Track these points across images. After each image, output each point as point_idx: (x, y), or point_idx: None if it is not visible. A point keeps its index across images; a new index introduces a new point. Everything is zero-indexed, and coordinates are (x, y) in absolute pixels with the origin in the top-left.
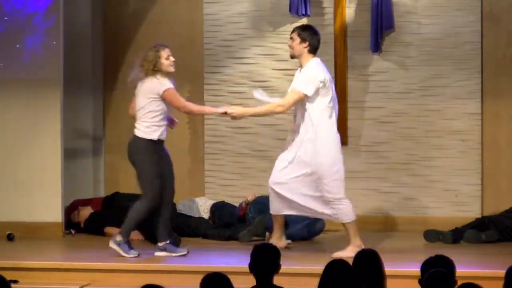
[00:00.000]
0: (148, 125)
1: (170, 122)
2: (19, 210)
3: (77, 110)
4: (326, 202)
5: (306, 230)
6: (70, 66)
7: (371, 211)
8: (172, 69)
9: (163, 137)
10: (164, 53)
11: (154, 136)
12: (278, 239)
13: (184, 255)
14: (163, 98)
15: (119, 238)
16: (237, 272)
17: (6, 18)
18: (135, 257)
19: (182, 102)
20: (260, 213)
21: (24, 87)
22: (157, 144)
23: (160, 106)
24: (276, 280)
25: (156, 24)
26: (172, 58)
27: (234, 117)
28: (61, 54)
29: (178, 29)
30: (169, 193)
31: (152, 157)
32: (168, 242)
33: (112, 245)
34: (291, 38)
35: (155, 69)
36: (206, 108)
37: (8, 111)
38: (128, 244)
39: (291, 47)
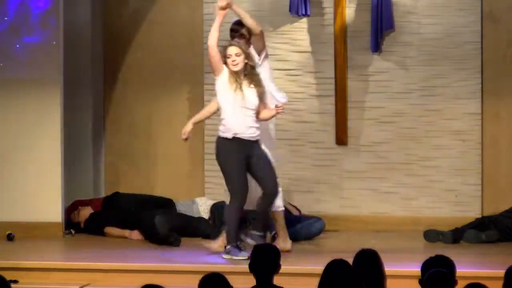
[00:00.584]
0: None
1: None
2: (19, 210)
3: (77, 110)
4: None
5: (306, 230)
6: (70, 66)
7: (371, 211)
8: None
9: None
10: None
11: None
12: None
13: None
14: None
15: (228, 247)
16: (237, 272)
17: (6, 18)
18: (245, 259)
19: None
20: None
21: (24, 87)
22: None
23: None
24: (276, 280)
25: (156, 24)
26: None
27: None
28: (61, 54)
29: (177, 29)
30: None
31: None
32: (234, 245)
33: (225, 256)
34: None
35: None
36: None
37: (8, 111)
38: (238, 248)
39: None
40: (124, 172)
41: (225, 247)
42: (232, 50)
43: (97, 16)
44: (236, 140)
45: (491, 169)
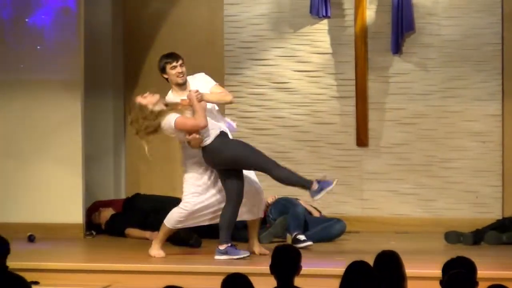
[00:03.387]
0: None
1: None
2: (40, 212)
3: (97, 112)
4: None
5: (327, 231)
6: (90, 67)
7: (391, 212)
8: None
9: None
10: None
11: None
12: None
13: (246, 258)
14: None
15: (223, 247)
16: (258, 274)
17: (27, 20)
18: (246, 256)
19: None
20: (281, 214)
21: (45, 88)
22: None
23: None
24: (297, 282)
25: (176, 25)
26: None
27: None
28: (82, 56)
29: (198, 30)
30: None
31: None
32: (229, 245)
33: (221, 258)
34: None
35: None
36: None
37: (29, 112)
38: (234, 247)
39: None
40: (145, 173)
41: (219, 248)
42: None
43: (117, 17)
44: None
45: None
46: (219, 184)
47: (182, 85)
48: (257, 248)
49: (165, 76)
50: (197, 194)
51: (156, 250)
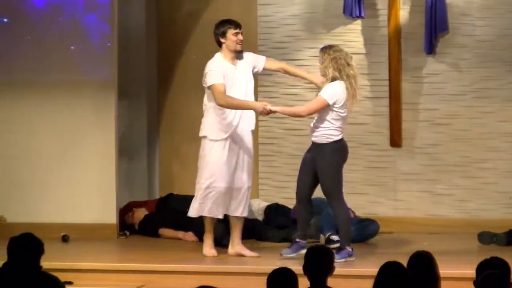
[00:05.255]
0: None
1: None
2: (73, 212)
3: (131, 112)
4: None
5: (360, 232)
6: (124, 68)
7: (425, 213)
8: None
9: None
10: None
11: None
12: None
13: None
14: None
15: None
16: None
17: (60, 19)
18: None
19: None
20: (314, 215)
21: (79, 89)
22: None
23: None
24: (330, 282)
25: (209, 26)
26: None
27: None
28: (116, 56)
29: None
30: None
31: None
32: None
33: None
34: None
35: None
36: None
37: (63, 113)
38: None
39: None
40: (178, 174)
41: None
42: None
43: (151, 18)
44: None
45: None
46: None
47: (238, 54)
48: (238, 248)
49: (222, 40)
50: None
51: (208, 249)
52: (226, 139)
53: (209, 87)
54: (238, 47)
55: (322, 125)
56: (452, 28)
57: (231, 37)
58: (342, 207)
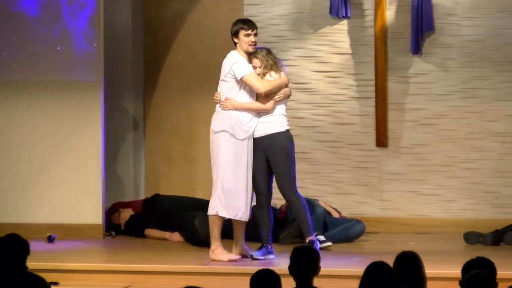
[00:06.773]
0: None
1: None
2: (60, 212)
3: (118, 113)
4: None
5: (346, 232)
6: (110, 68)
7: (411, 213)
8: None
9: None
10: None
11: None
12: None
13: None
14: None
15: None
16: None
17: (46, 19)
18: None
19: None
20: None
21: (65, 89)
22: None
23: None
24: (316, 282)
25: (196, 26)
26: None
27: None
28: (102, 57)
29: (218, 31)
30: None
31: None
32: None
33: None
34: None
35: None
36: None
37: (49, 114)
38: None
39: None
40: (165, 174)
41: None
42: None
43: (137, 19)
44: None
45: None
46: None
47: (250, 55)
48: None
49: (235, 40)
50: None
51: (225, 255)
52: (244, 139)
53: (241, 78)
54: (250, 48)
55: None
56: (438, 28)
57: (243, 38)
58: None
